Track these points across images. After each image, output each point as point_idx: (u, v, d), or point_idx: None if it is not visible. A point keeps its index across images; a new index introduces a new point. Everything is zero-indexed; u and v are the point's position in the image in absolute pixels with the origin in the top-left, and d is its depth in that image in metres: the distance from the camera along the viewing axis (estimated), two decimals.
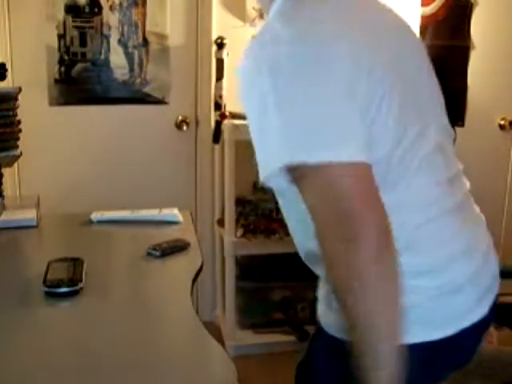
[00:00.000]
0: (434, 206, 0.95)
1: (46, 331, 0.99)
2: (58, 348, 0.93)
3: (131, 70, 2.55)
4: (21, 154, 1.72)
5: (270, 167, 0.83)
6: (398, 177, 0.90)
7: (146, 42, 2.54)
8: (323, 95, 0.81)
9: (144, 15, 2.53)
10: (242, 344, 2.58)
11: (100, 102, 2.55)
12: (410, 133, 0.91)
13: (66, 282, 1.11)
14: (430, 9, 2.79)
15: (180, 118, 2.63)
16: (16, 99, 1.70)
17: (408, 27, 1.11)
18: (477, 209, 1.15)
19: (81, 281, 1.13)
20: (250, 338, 2.65)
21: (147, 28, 2.54)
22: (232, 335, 2.57)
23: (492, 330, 2.55)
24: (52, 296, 1.09)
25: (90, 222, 1.60)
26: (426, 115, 0.99)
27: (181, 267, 1.30)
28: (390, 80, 0.90)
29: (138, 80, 2.56)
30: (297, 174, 0.81)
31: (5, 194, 1.78)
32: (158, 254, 1.33)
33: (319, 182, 0.80)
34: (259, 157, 0.86)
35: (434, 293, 0.94)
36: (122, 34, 2.52)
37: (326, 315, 1.01)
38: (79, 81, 2.51)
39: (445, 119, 1.09)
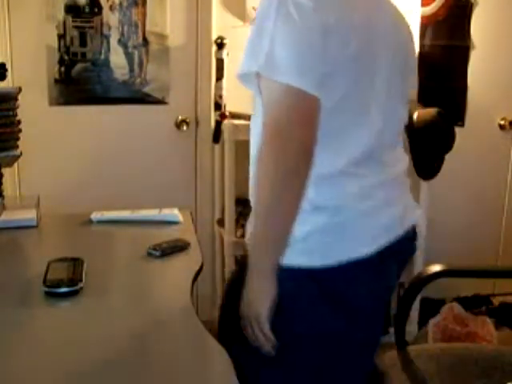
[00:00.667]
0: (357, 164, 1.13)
1: (46, 331, 0.99)
2: (57, 348, 0.93)
3: (131, 69, 2.55)
4: (21, 153, 1.72)
5: (247, 67, 1.09)
6: (338, 125, 1.11)
7: (146, 41, 2.54)
8: (302, 42, 1.03)
9: (144, 15, 2.53)
10: None
11: (100, 102, 2.55)
12: (353, 103, 1.11)
13: (66, 282, 1.11)
14: (430, 9, 2.79)
15: (180, 117, 2.63)
16: (16, 99, 1.70)
17: (403, 25, 1.29)
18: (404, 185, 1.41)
19: (81, 281, 1.13)
20: None
21: (147, 28, 2.53)
22: None
23: (492, 329, 2.55)
24: (52, 296, 1.09)
25: (90, 222, 1.60)
26: (375, 100, 1.16)
27: (181, 267, 1.30)
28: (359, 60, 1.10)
29: (138, 80, 2.56)
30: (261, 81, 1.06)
31: (5, 193, 1.78)
32: (157, 254, 1.33)
33: (278, 92, 1.03)
34: (246, 51, 1.12)
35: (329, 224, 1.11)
36: (122, 34, 2.52)
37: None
38: (79, 81, 2.51)
39: (401, 110, 1.28)
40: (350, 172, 1.13)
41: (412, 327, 2.69)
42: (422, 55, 2.81)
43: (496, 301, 2.94)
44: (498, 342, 2.51)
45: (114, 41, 2.51)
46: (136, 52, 2.54)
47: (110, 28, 2.50)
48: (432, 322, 2.59)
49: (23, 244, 1.50)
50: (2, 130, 1.64)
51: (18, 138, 1.70)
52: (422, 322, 2.69)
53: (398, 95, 1.25)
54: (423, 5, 2.77)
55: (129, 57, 2.54)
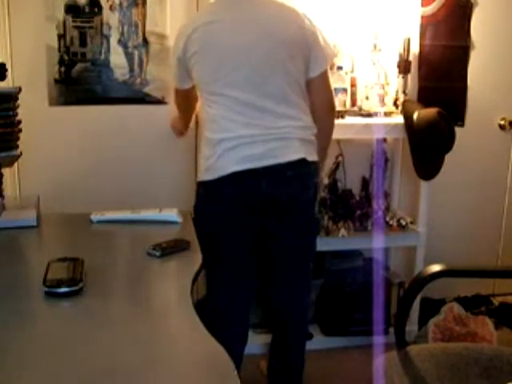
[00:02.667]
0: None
1: (46, 331, 0.99)
2: (57, 348, 0.93)
3: (131, 69, 2.54)
4: (21, 153, 1.72)
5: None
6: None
7: (145, 42, 2.54)
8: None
9: (144, 15, 2.53)
10: None
11: (100, 102, 2.54)
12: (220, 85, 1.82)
13: (66, 282, 1.11)
14: (430, 9, 2.79)
15: None
16: (16, 99, 1.70)
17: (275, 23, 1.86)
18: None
19: (81, 281, 1.13)
20: (250, 338, 2.65)
21: (147, 28, 2.53)
22: None
23: (492, 329, 2.55)
24: (52, 296, 1.09)
25: (90, 222, 1.60)
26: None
27: (181, 267, 1.30)
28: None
29: (138, 80, 2.56)
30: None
31: (5, 193, 1.78)
32: (158, 254, 1.33)
33: None
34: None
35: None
36: (122, 34, 2.51)
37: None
38: (79, 81, 2.51)
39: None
40: None
41: (412, 327, 2.69)
42: (422, 55, 2.81)
43: (496, 301, 2.94)
44: (498, 342, 2.51)
45: (113, 41, 2.51)
46: (136, 52, 2.54)
47: (110, 28, 2.50)
48: (432, 321, 2.59)
49: (23, 244, 1.50)
50: (2, 129, 1.64)
51: (18, 138, 1.70)
52: (422, 322, 2.69)
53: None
54: (423, 5, 2.77)
55: (129, 57, 2.54)
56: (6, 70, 1.77)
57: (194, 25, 1.84)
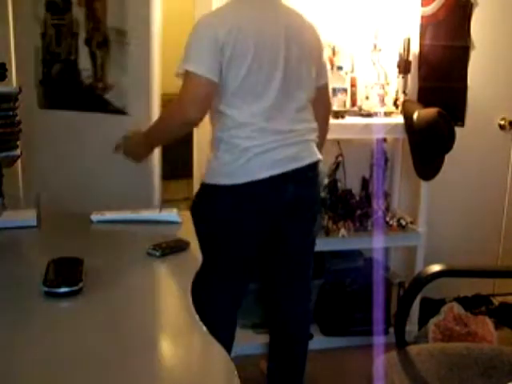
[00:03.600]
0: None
1: (46, 331, 0.99)
2: (57, 348, 0.93)
3: (95, 72, 2.33)
4: (21, 153, 1.72)
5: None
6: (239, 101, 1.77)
7: (106, 40, 2.30)
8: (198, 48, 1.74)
9: (105, 10, 2.29)
10: (242, 344, 2.58)
11: (69, 107, 2.36)
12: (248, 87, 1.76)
13: (66, 282, 1.11)
14: (430, 9, 2.79)
15: None
16: (16, 99, 1.69)
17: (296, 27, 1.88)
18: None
19: (81, 281, 1.13)
20: (250, 338, 2.65)
21: (108, 24, 2.30)
22: None
23: (492, 329, 2.55)
24: (52, 296, 1.09)
25: (90, 222, 1.60)
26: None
27: (181, 267, 1.30)
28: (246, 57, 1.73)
29: (100, 84, 2.36)
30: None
31: (5, 193, 1.78)
32: (158, 254, 1.33)
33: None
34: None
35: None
36: (88, 32, 2.29)
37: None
38: (56, 83, 2.35)
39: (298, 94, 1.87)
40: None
41: (412, 327, 2.69)
42: (422, 55, 2.81)
43: (496, 301, 2.94)
44: (498, 342, 2.51)
45: (81, 40, 2.30)
46: (98, 52, 2.31)
47: (78, 25, 2.28)
48: (432, 321, 2.59)
49: (23, 244, 1.50)
50: (1, 130, 1.64)
51: (18, 138, 1.70)
52: (422, 322, 2.69)
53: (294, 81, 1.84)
54: (423, 5, 2.77)
55: (93, 57, 2.31)
56: (6, 69, 1.77)
57: (228, 25, 1.74)
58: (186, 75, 1.70)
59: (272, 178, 1.78)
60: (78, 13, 2.28)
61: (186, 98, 1.73)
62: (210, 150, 1.87)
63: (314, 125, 1.94)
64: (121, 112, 2.31)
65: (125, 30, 2.28)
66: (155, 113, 2.29)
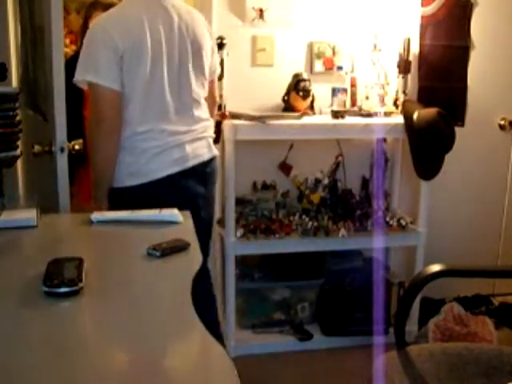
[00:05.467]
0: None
1: (46, 331, 0.99)
2: (57, 348, 0.93)
3: None
4: (21, 153, 1.72)
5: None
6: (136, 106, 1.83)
7: None
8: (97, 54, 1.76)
9: None
10: (242, 344, 2.59)
11: None
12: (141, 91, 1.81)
13: (66, 282, 1.11)
14: (430, 9, 2.79)
15: None
16: (16, 99, 1.69)
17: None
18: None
19: (81, 281, 1.13)
20: (250, 338, 2.65)
21: None
22: (232, 335, 2.57)
23: (492, 329, 2.55)
24: (52, 296, 1.09)
25: (90, 222, 1.60)
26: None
27: (181, 267, 1.30)
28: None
29: None
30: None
31: (5, 193, 1.78)
32: (158, 254, 1.33)
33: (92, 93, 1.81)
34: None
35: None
36: None
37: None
38: None
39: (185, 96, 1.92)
40: None
41: (412, 327, 2.69)
42: (422, 55, 2.81)
43: (496, 301, 2.94)
44: (498, 342, 2.51)
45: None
46: None
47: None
48: (432, 321, 2.59)
49: (23, 244, 1.50)
50: (2, 130, 1.64)
51: (18, 138, 1.70)
52: (422, 322, 2.69)
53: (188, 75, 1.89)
54: (423, 5, 2.77)
55: None
56: (7, 70, 1.77)
57: (121, 21, 1.79)
58: (91, 87, 1.78)
59: (171, 176, 1.86)
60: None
61: (97, 108, 1.81)
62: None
63: (210, 122, 2.03)
64: None
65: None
66: None
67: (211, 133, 2.04)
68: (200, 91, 1.96)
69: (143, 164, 1.85)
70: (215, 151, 2.04)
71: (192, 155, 1.93)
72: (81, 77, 1.77)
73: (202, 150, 1.96)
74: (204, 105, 1.99)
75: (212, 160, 2.01)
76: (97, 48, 1.76)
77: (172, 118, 1.88)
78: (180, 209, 1.62)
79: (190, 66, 1.91)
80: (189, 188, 1.93)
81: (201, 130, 1.97)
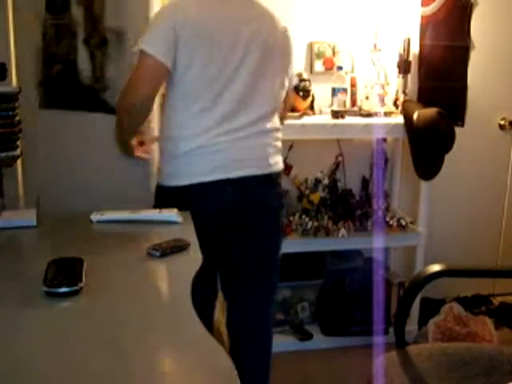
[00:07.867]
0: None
1: (46, 331, 0.99)
2: (57, 348, 0.93)
3: (94, 72, 2.31)
4: (21, 153, 1.72)
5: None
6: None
7: (105, 40, 2.27)
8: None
9: (103, 9, 2.24)
10: None
11: (70, 107, 2.34)
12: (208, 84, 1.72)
13: (66, 282, 1.11)
14: (430, 9, 2.79)
15: None
16: (16, 99, 1.69)
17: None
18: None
19: (81, 281, 1.13)
20: None
21: (107, 24, 2.26)
22: None
23: (492, 329, 2.55)
24: (52, 296, 1.09)
25: (90, 222, 1.60)
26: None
27: (181, 267, 1.30)
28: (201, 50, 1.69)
29: (99, 85, 2.32)
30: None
31: (5, 193, 1.78)
32: (158, 254, 1.33)
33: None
34: None
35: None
36: (87, 31, 2.26)
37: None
38: (55, 83, 2.33)
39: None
40: None
41: (412, 327, 2.69)
42: (422, 55, 2.81)
43: (496, 301, 2.94)
44: (498, 342, 2.51)
45: (80, 39, 2.28)
46: (98, 52, 2.28)
47: (76, 25, 2.27)
48: (432, 321, 2.59)
49: (23, 244, 1.50)
50: (2, 130, 1.64)
51: (18, 138, 1.70)
52: (422, 322, 2.69)
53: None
54: (423, 5, 2.77)
55: (92, 58, 2.29)
56: (7, 69, 1.77)
57: (186, 16, 1.69)
58: (140, 55, 1.70)
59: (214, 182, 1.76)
60: (77, 12, 2.27)
61: (136, 75, 1.73)
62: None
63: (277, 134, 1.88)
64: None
65: (124, 31, 2.26)
66: (154, 112, 2.28)
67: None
68: (264, 106, 1.82)
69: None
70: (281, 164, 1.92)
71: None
72: (137, 46, 1.69)
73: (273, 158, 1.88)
74: (267, 118, 1.84)
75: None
76: (159, 22, 1.72)
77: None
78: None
79: (253, 77, 1.76)
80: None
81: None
